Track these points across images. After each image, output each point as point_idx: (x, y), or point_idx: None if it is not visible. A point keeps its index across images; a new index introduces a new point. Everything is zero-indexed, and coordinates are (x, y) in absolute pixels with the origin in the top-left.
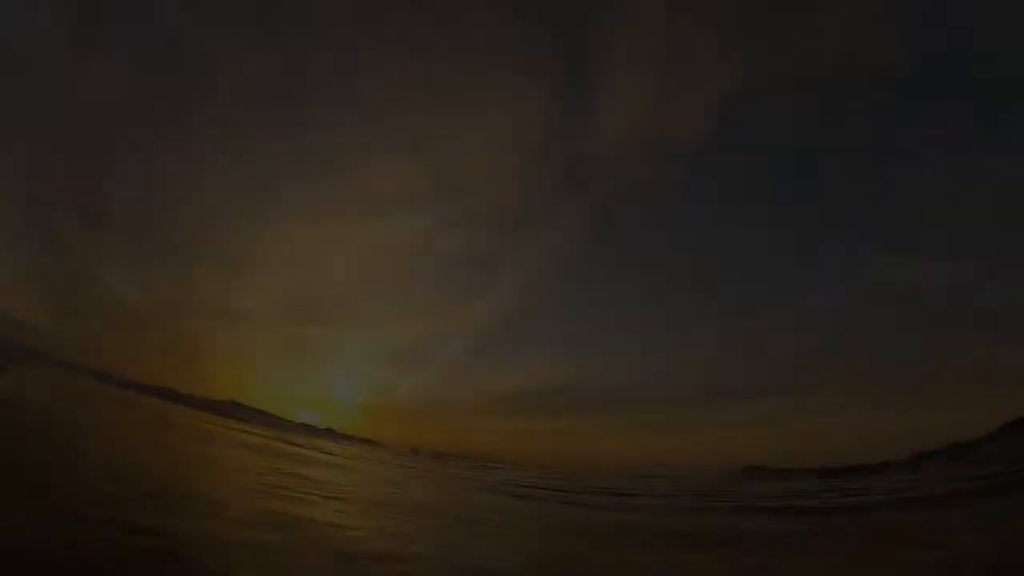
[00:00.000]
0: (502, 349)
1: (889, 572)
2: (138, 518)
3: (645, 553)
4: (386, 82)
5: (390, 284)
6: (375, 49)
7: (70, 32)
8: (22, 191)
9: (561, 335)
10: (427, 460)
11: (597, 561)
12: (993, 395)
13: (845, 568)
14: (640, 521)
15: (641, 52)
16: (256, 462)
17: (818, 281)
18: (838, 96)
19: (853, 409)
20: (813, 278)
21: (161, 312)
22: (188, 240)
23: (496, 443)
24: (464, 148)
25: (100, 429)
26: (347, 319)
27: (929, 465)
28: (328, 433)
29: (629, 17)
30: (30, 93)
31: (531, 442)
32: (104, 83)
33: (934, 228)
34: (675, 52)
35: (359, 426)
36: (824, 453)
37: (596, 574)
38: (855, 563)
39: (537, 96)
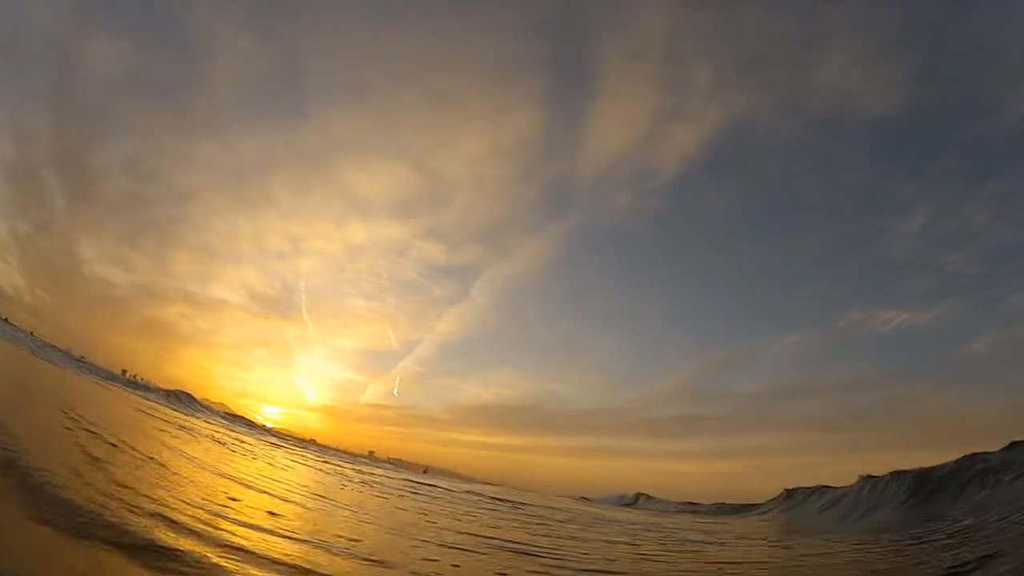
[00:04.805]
0: (470, 362)
1: None
2: None
3: None
4: (381, 85)
5: (364, 287)
6: (373, 52)
7: (73, 4)
8: (11, 153)
9: (530, 354)
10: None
11: None
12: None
13: None
14: None
15: (636, 79)
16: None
17: (790, 323)
18: (828, 141)
19: (806, 448)
20: (785, 319)
21: (134, 292)
22: (169, 223)
23: (453, 454)
24: (451, 158)
25: None
26: (318, 318)
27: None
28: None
29: (629, 42)
30: (27, 58)
31: (487, 455)
32: (103, 57)
33: (911, 280)
34: (670, 82)
35: (320, 426)
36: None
37: None
38: None
39: (528, 113)
